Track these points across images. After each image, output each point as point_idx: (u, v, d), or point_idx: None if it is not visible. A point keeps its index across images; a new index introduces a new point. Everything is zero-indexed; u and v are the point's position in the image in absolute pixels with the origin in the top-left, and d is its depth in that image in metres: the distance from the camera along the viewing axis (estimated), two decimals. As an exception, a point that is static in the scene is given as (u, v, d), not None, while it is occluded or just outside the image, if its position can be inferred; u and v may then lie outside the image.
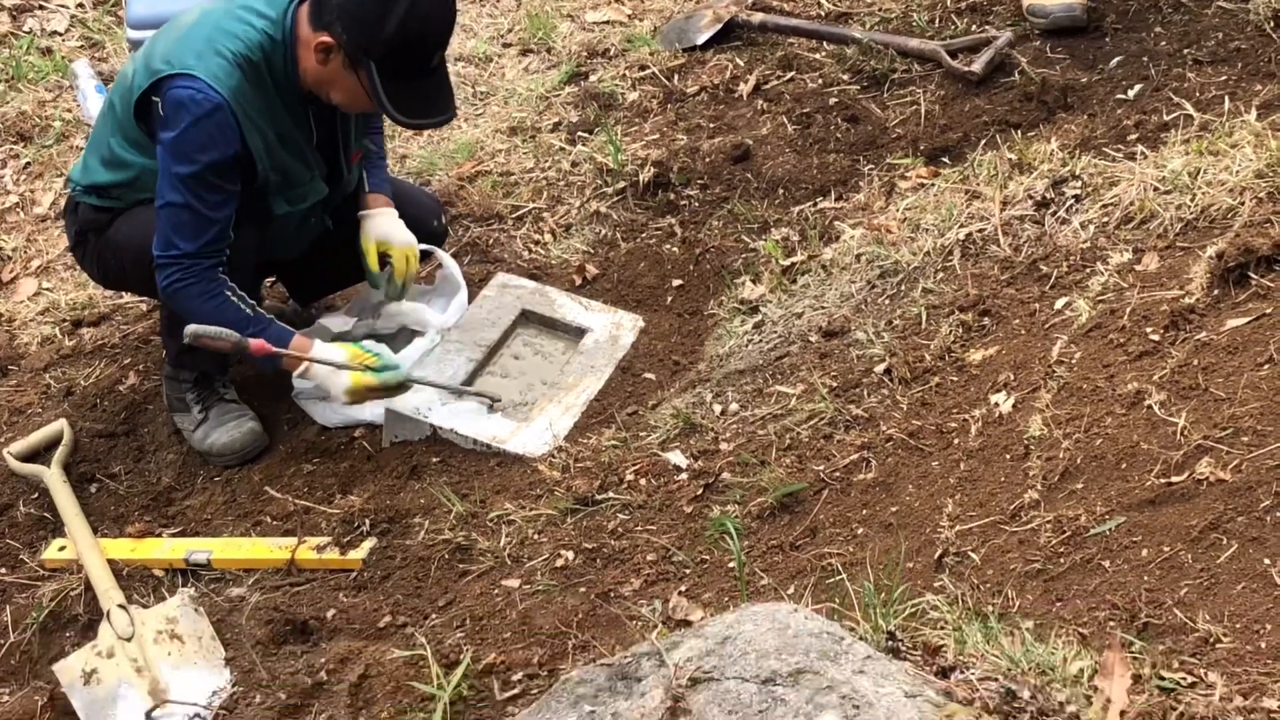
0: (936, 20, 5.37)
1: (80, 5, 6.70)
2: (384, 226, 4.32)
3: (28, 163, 5.77)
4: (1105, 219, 3.81)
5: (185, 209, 3.80)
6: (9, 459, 4.21)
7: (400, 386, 4.06)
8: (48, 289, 5.11)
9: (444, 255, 4.52)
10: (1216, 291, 3.29)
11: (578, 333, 4.38)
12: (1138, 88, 4.59)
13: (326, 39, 3.78)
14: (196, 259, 3.85)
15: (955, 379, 3.56)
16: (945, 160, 4.66)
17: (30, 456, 4.24)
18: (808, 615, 2.41)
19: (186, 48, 3.79)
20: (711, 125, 5.19)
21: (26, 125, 5.95)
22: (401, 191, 4.49)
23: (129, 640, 3.51)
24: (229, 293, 3.90)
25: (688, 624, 3.00)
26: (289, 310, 4.71)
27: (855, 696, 2.14)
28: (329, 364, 3.98)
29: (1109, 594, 2.69)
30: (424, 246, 4.42)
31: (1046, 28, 5.06)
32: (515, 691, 3.07)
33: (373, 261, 4.33)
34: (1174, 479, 2.86)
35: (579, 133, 5.32)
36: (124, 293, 4.78)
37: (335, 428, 4.24)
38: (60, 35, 6.60)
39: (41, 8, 6.63)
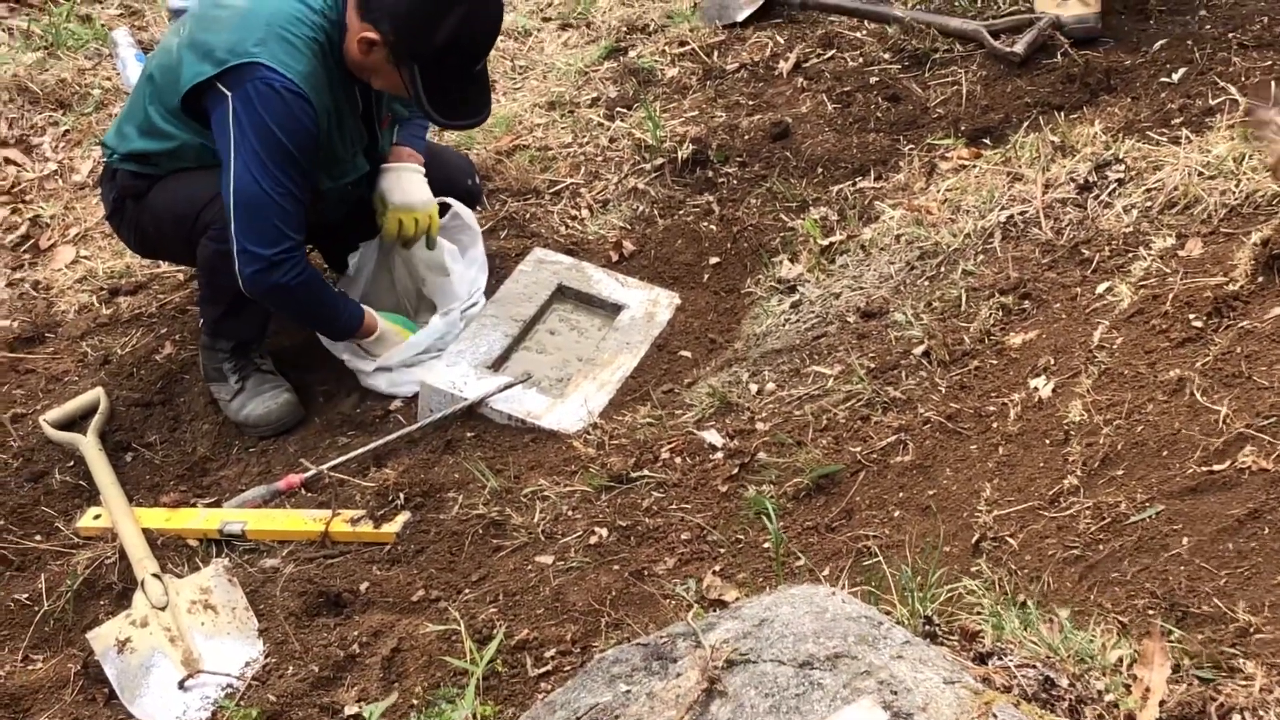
0: (979, 0, 5.32)
1: (120, -27, 6.71)
2: (391, 183, 4.31)
3: (66, 130, 5.78)
4: (1148, 203, 3.78)
5: (290, 198, 3.86)
6: (46, 426, 4.23)
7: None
8: (85, 257, 5.13)
9: (458, 205, 4.51)
10: (1260, 279, 3.25)
11: (614, 309, 4.37)
12: (1182, 71, 4.55)
13: (373, 35, 3.79)
14: (300, 246, 3.92)
15: (994, 362, 3.54)
16: (986, 141, 4.63)
17: (67, 424, 4.26)
18: (845, 599, 2.40)
19: (247, 35, 3.79)
20: (751, 103, 5.16)
21: (66, 93, 5.96)
22: (434, 153, 4.49)
23: (163, 609, 3.53)
24: (321, 281, 4.12)
25: (722, 604, 2.99)
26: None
27: (893, 682, 2.13)
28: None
29: (1148, 582, 2.68)
30: (441, 200, 4.42)
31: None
32: (548, 668, 3.08)
33: (384, 225, 4.36)
34: (1215, 467, 2.84)
35: (618, 108, 5.31)
36: (160, 261, 4.79)
37: (379, 393, 4.27)
38: (100, 3, 6.62)
39: (82, -25, 6.64)
